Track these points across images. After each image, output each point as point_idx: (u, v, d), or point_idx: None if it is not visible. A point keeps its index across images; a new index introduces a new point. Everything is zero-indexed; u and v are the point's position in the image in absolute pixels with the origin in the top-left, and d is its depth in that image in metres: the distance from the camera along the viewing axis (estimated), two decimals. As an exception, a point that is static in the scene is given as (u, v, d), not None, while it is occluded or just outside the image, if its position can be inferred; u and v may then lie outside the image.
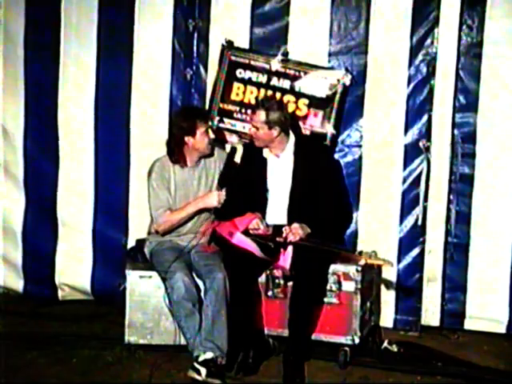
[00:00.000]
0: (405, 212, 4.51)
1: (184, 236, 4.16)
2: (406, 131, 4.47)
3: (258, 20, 4.57)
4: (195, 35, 4.66)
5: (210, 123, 4.34)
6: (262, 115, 4.03)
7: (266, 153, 4.16)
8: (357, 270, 3.98)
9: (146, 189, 4.19)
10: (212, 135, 4.16)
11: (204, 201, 4.09)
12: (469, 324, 4.54)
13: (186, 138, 4.08)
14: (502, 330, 4.47)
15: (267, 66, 4.56)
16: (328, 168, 4.19)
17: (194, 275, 3.99)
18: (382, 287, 4.53)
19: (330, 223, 4.07)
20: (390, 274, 4.50)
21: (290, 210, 4.09)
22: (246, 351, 3.88)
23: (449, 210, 4.50)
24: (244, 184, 4.16)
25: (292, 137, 4.17)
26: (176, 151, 4.13)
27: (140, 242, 4.40)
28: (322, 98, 4.50)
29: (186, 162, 4.15)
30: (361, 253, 3.94)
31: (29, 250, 5.00)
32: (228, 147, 4.56)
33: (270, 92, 4.54)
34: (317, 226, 3.97)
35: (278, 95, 4.53)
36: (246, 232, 3.98)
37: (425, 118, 4.43)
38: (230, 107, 4.59)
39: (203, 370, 3.67)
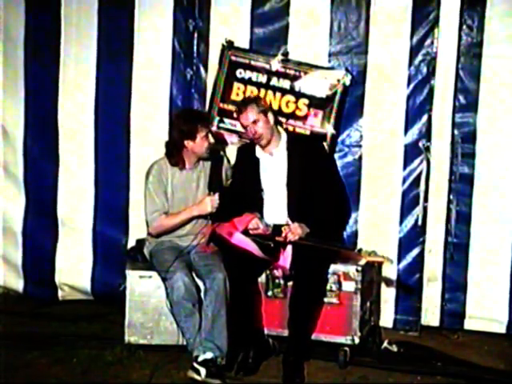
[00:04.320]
0: (405, 212, 4.51)
1: (184, 237, 4.16)
2: (405, 131, 4.47)
3: (258, 20, 4.57)
4: (195, 35, 4.66)
5: (210, 127, 4.35)
6: (254, 107, 4.06)
7: (258, 153, 4.16)
8: (357, 270, 3.98)
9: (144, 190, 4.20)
10: (212, 140, 4.16)
11: (198, 208, 4.09)
12: (469, 324, 4.53)
13: (186, 142, 4.07)
14: (502, 330, 4.47)
15: (267, 66, 4.56)
16: (322, 160, 4.19)
17: (194, 275, 3.99)
18: (382, 287, 4.54)
19: (330, 214, 4.06)
20: (390, 273, 4.51)
21: (289, 207, 4.09)
22: (246, 351, 3.88)
23: (449, 209, 4.50)
24: (239, 186, 4.16)
25: (283, 134, 4.18)
26: (175, 153, 4.13)
27: (140, 242, 4.40)
28: (322, 98, 4.50)
29: (184, 165, 4.15)
30: (360, 250, 3.93)
31: (29, 250, 5.00)
32: (228, 148, 4.57)
33: (270, 92, 4.54)
34: (317, 219, 3.97)
35: (278, 95, 4.53)
36: (245, 232, 3.98)
37: (425, 118, 4.43)
38: (230, 107, 4.58)
39: (203, 370, 3.68)
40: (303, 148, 4.15)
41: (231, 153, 4.48)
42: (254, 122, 4.06)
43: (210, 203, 4.04)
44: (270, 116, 4.10)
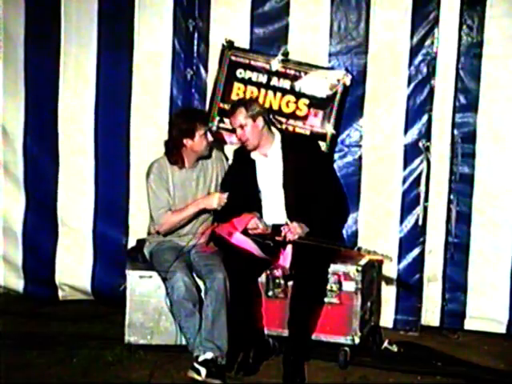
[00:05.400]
0: (405, 212, 4.51)
1: (184, 237, 4.17)
2: (405, 131, 4.47)
3: (258, 20, 4.57)
4: (195, 35, 4.66)
5: (209, 125, 4.36)
6: (242, 111, 4.04)
7: (253, 154, 4.16)
8: (357, 270, 3.98)
9: (145, 190, 4.19)
10: (210, 138, 4.17)
11: (205, 202, 4.10)
12: (469, 324, 4.54)
13: (185, 140, 4.08)
14: (502, 330, 4.47)
15: (267, 66, 4.56)
16: (316, 158, 4.17)
17: (194, 275, 3.99)
18: (383, 287, 4.54)
19: (327, 213, 4.05)
20: (390, 273, 4.51)
21: (287, 207, 4.08)
22: (246, 351, 3.88)
23: (449, 209, 4.50)
24: (237, 188, 4.15)
25: (277, 134, 4.18)
26: (174, 152, 4.13)
27: (140, 242, 4.40)
28: (322, 98, 4.50)
29: (184, 164, 4.16)
30: (360, 249, 3.92)
31: (29, 250, 5.00)
32: (227, 148, 4.58)
33: (270, 92, 4.54)
34: (315, 218, 3.97)
35: (279, 95, 4.53)
36: (245, 232, 3.98)
37: (425, 118, 4.43)
38: (231, 107, 4.59)
39: (203, 370, 3.68)
40: (297, 147, 4.15)
41: (231, 153, 4.47)
42: (241, 127, 4.06)
43: (218, 200, 4.04)
44: (260, 121, 4.06)
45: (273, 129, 4.20)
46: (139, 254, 4.30)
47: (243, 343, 3.93)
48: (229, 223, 4.03)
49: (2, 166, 4.99)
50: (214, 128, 4.58)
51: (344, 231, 4.58)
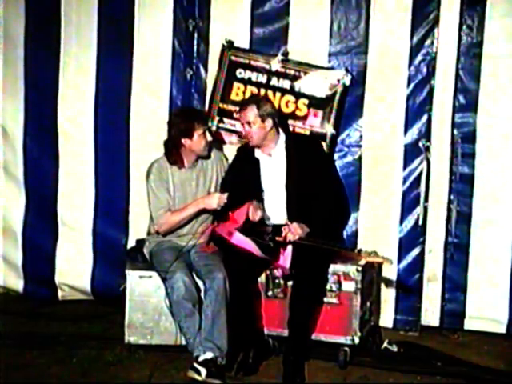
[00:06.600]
0: (405, 212, 4.51)
1: (183, 237, 4.17)
2: (405, 131, 4.47)
3: (258, 20, 4.57)
4: (195, 35, 4.66)
5: (209, 124, 4.36)
6: (253, 109, 4.04)
7: (257, 153, 4.16)
8: (357, 270, 3.98)
9: (145, 190, 4.19)
10: (209, 137, 4.17)
11: (205, 202, 4.10)
12: (469, 324, 4.53)
13: (184, 140, 4.08)
14: (502, 330, 4.47)
15: (267, 66, 4.56)
16: (320, 159, 4.18)
17: (194, 275, 3.99)
18: (382, 287, 4.54)
19: (329, 214, 4.05)
20: (390, 273, 4.51)
21: (288, 207, 4.09)
22: (246, 351, 3.88)
23: (449, 209, 4.50)
24: (239, 186, 4.15)
25: (282, 134, 4.18)
26: (173, 152, 4.14)
27: (140, 242, 4.40)
28: (322, 98, 4.50)
29: (183, 163, 4.16)
30: (360, 251, 3.92)
31: (29, 250, 5.00)
32: (226, 148, 4.58)
33: (270, 92, 4.54)
34: (316, 219, 3.96)
35: (278, 95, 4.53)
36: (245, 231, 3.96)
37: (425, 118, 4.43)
38: (230, 107, 4.59)
39: (203, 370, 3.68)
40: (301, 148, 4.15)
41: (230, 153, 4.47)
42: (249, 124, 4.06)
43: (218, 200, 4.03)
44: (268, 122, 4.06)
45: (279, 129, 4.19)
46: (139, 254, 4.30)
47: (243, 343, 3.93)
48: (229, 220, 4.01)
49: (2, 166, 4.99)
50: (214, 128, 4.58)
51: (344, 231, 4.58)
